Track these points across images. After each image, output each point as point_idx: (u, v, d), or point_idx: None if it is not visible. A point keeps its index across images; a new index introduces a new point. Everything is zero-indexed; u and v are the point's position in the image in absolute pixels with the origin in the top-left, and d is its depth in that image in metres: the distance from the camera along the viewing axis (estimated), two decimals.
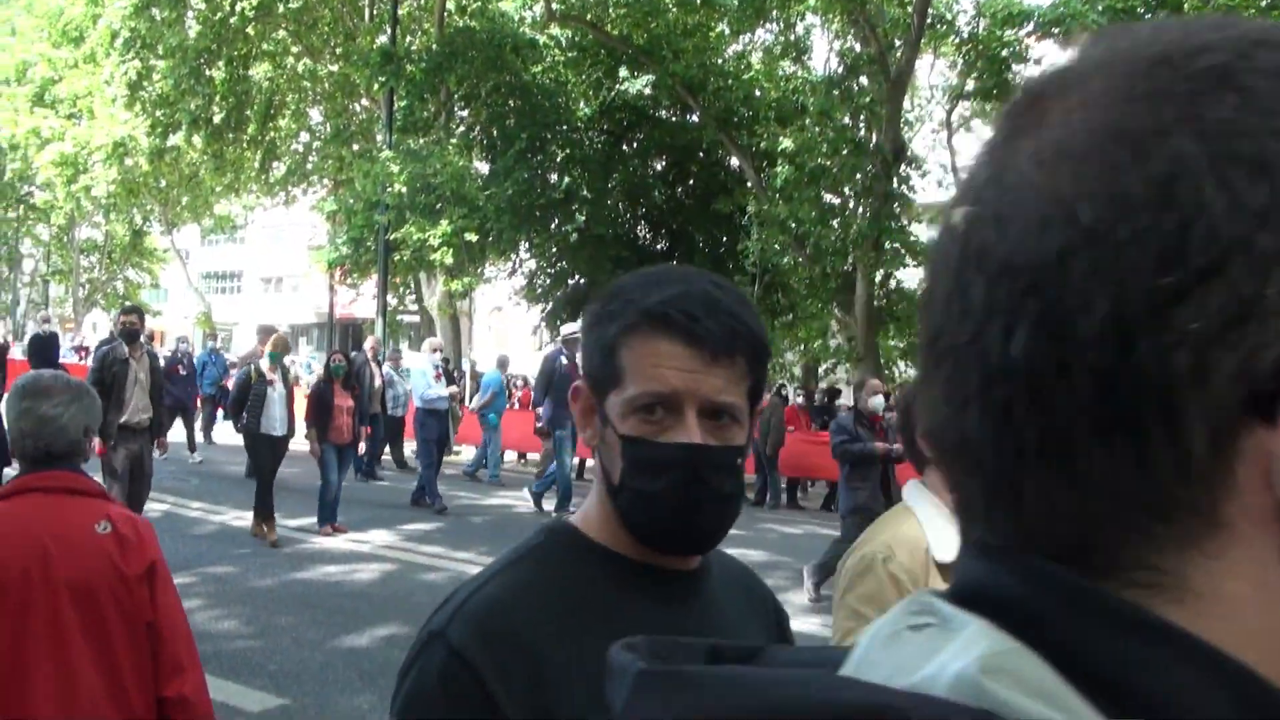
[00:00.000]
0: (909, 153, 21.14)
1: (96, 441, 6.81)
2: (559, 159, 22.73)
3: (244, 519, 11.23)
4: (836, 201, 21.06)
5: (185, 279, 46.38)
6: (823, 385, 22.00)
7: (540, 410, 13.98)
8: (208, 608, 7.86)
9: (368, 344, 17.14)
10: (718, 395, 1.27)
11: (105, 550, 2.77)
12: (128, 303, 9.02)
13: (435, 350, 16.09)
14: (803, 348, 24.94)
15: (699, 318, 1.26)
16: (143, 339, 9.60)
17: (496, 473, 17.51)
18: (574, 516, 1.41)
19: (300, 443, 11.40)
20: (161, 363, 10.82)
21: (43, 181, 41.93)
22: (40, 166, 40.32)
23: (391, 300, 27.41)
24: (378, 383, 16.19)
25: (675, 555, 1.35)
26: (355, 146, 28.41)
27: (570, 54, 23.53)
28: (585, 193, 21.96)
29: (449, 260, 21.89)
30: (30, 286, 53.85)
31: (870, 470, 9.23)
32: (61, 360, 17.78)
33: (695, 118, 23.20)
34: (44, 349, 16.73)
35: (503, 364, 18.32)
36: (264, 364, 11.07)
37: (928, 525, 2.57)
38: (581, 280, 24.47)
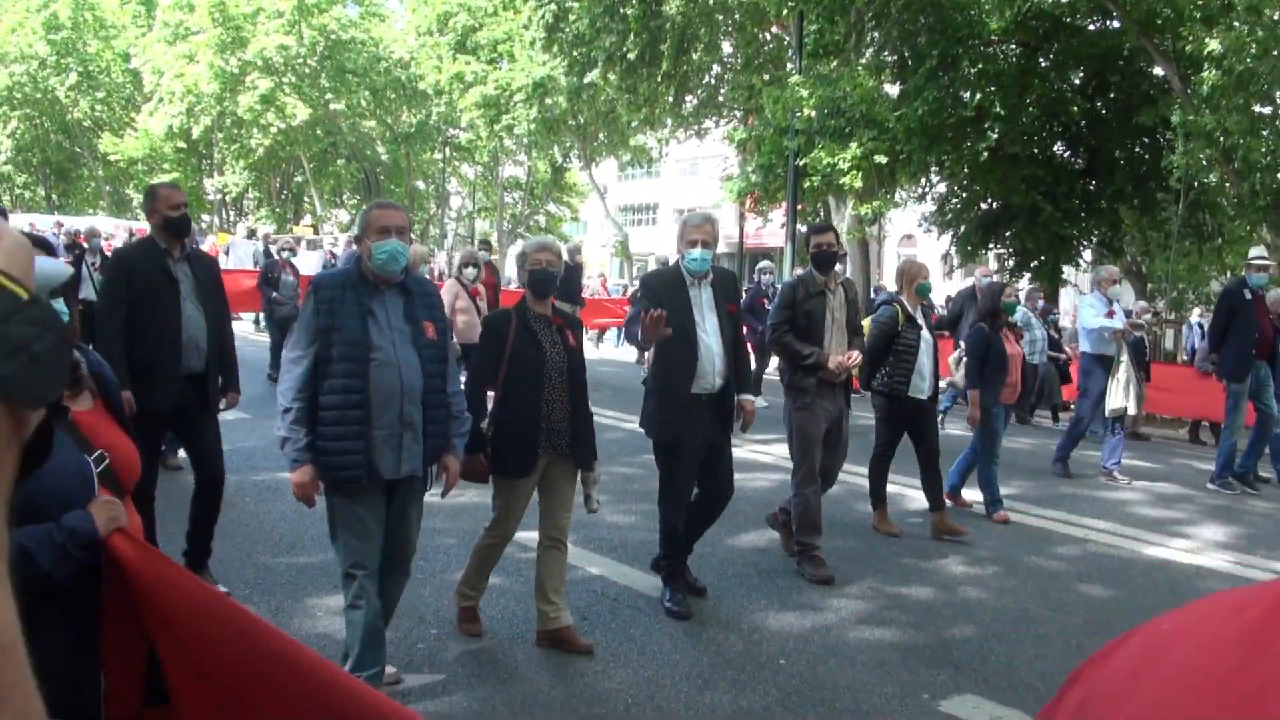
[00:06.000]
0: None
1: (753, 401, 6.84)
2: (971, 75, 22.71)
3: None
4: (1267, 111, 20.07)
5: (603, 211, 49.18)
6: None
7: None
8: (613, 503, 8.79)
9: (1023, 287, 15.54)
10: None
11: None
12: (818, 220, 6.53)
13: (1113, 281, 12.78)
14: (1229, 274, 24.00)
15: None
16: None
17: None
18: None
19: None
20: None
21: (467, 123, 46.26)
22: (464, 109, 44.61)
23: (800, 227, 28.80)
24: (1038, 332, 14.73)
25: None
26: (765, 76, 29.90)
27: None
28: (998, 110, 21.84)
29: (858, 183, 22.90)
30: (458, 222, 59.46)
31: None
32: None
33: (1115, 23, 22.63)
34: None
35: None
36: (908, 303, 8.76)
37: None
38: (994, 203, 24.71)
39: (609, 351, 26.59)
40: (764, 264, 19.78)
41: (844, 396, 7.63)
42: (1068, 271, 26.88)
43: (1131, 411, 12.36)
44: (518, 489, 5.65)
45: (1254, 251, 12.85)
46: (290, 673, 2.27)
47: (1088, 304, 12.47)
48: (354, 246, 5.57)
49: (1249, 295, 11.82)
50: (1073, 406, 16.12)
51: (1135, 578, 8.00)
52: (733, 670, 5.59)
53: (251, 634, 2.36)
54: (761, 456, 11.74)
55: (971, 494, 9.96)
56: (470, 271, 11.74)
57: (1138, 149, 23.50)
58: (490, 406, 5.75)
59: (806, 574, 7.32)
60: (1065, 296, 27.55)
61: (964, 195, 25.84)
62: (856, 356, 7.42)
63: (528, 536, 6.83)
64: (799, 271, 9.13)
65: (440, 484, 5.06)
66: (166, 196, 6.21)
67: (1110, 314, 12.02)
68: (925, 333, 8.72)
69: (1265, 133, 19.19)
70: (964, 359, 9.64)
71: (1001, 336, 9.52)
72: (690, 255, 6.38)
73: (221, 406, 6.58)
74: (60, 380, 0.71)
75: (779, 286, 13.29)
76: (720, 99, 33.95)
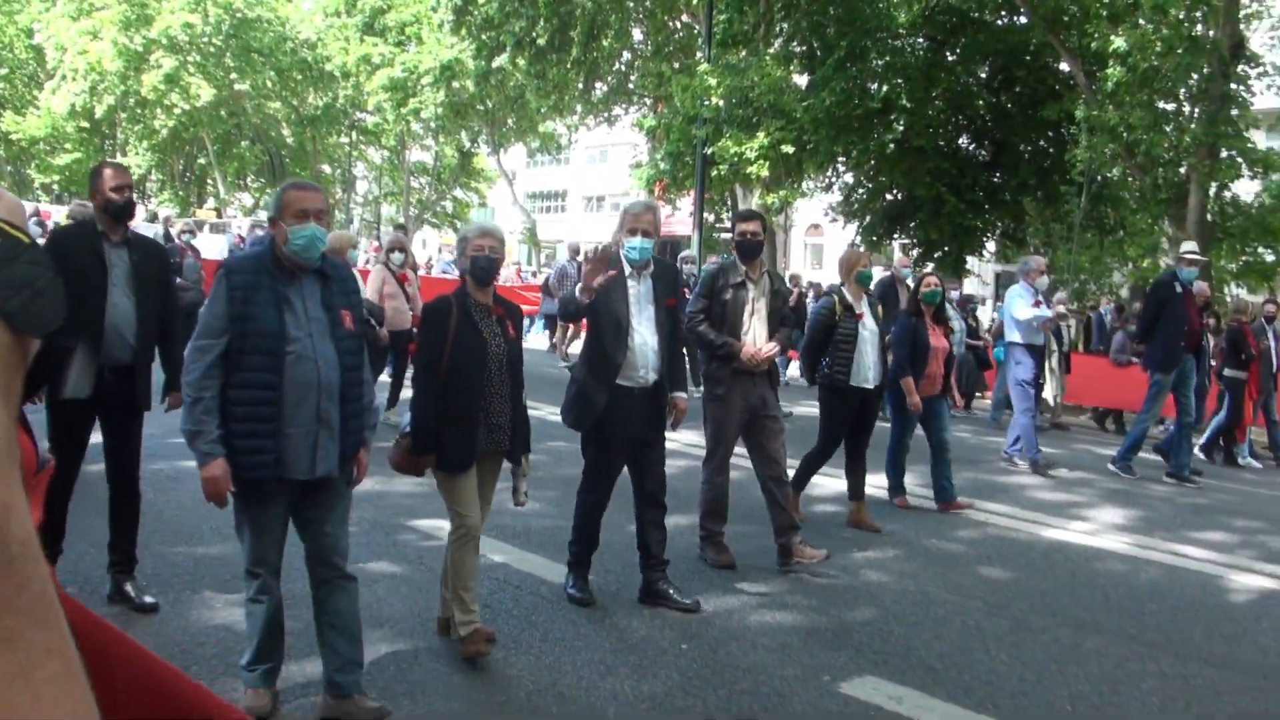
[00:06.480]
0: (1247, 51, 20.13)
1: (684, 398, 6.63)
2: (878, 68, 22.94)
3: None
4: (1170, 107, 20.51)
5: (511, 198, 49.06)
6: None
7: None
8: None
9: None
10: None
11: None
12: (747, 207, 6.22)
13: (1040, 272, 12.29)
14: (1130, 266, 24.48)
15: None
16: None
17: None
18: None
19: None
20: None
21: (374, 106, 45.84)
22: (371, 92, 44.19)
23: (708, 216, 28.90)
24: (956, 323, 13.96)
25: None
26: (676, 64, 29.95)
27: None
28: (904, 102, 22.05)
29: (765, 173, 23.03)
30: (364, 207, 58.86)
31: None
32: None
33: (1022, 19, 22.96)
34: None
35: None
36: (848, 293, 8.63)
37: None
38: (899, 194, 24.93)
39: None
40: (686, 253, 19.87)
41: (768, 385, 7.44)
42: (971, 262, 27.26)
43: (1061, 399, 12.58)
44: (459, 481, 5.36)
45: (1186, 246, 12.90)
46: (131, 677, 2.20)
47: (1017, 294, 12.16)
48: (259, 231, 5.39)
49: (1179, 289, 11.87)
50: (980, 395, 16.43)
51: (1034, 560, 8.14)
52: (635, 655, 5.58)
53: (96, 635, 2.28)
54: (667, 443, 11.67)
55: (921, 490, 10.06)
56: (397, 256, 11.58)
57: (1042, 143, 23.81)
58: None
59: (709, 559, 7.29)
60: (968, 287, 27.93)
61: (870, 186, 25.94)
62: (773, 347, 7.36)
63: (431, 525, 6.77)
64: (714, 259, 9.03)
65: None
66: (110, 177, 5.82)
67: (1037, 304, 11.89)
68: (868, 320, 8.57)
69: (1168, 128, 19.59)
70: (889, 348, 9.70)
71: (927, 327, 9.50)
72: (630, 244, 6.15)
73: (164, 407, 6.13)
74: (59, 312, 0.80)
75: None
76: (630, 86, 33.93)
